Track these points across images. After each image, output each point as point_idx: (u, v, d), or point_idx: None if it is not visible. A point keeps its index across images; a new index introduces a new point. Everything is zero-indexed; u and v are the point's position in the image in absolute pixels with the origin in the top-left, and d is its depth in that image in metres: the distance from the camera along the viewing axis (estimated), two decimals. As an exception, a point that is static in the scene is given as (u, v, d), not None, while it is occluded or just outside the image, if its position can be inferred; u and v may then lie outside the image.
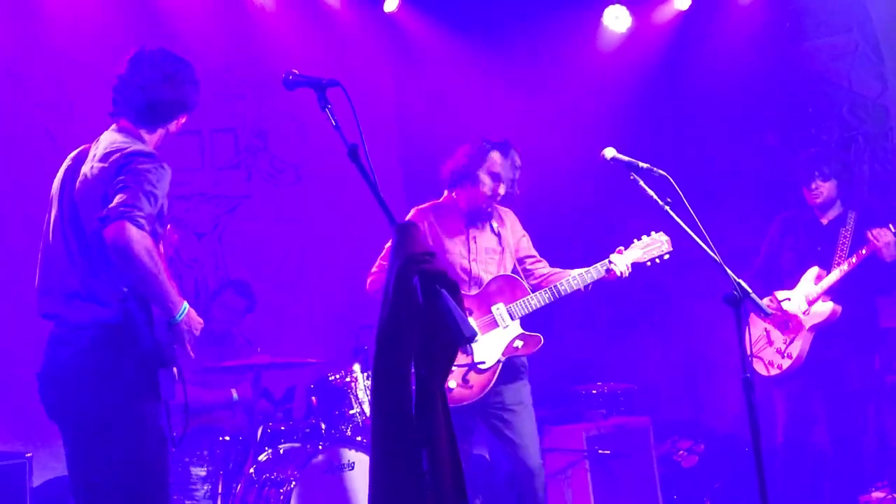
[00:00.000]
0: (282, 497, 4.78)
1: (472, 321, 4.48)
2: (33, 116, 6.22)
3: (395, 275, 2.61)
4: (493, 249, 4.82)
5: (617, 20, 7.55)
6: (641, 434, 6.29)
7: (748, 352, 3.69)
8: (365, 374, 5.35)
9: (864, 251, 5.20)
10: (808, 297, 5.37)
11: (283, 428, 5.37)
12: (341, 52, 7.43)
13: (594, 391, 6.55)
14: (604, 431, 6.05)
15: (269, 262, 7.01)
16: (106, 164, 3.29)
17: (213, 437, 5.27)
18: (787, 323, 5.42)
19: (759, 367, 5.53)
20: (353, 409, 5.38)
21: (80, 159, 3.45)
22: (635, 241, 4.88)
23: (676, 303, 7.64)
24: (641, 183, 3.99)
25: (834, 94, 6.92)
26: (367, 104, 7.47)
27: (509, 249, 4.87)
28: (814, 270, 5.42)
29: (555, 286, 4.71)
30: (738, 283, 3.41)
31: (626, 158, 4.11)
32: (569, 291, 4.72)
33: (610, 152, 4.22)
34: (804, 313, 5.36)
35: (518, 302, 4.69)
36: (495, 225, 4.87)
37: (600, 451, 5.92)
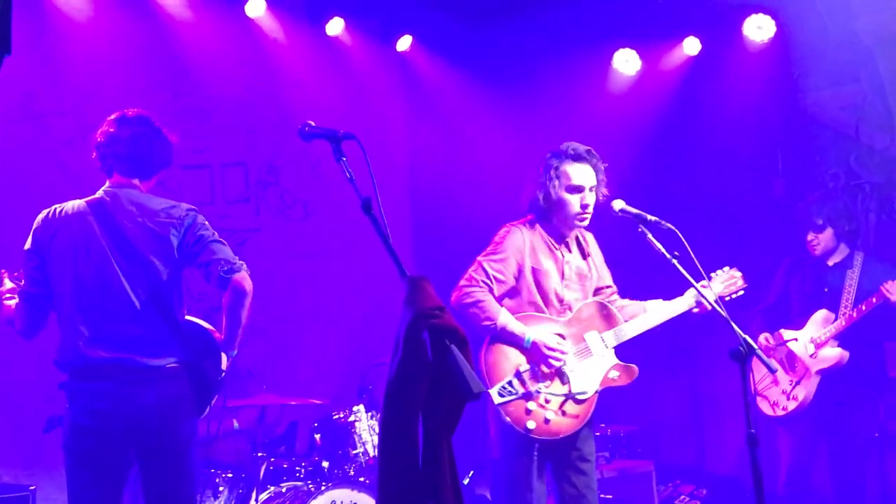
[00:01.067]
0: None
1: (567, 347, 4.32)
2: (50, 150, 6.27)
3: (406, 328, 2.63)
4: (583, 275, 4.56)
5: (627, 63, 7.61)
6: (644, 478, 6.29)
7: (753, 405, 3.72)
8: (369, 414, 5.35)
9: (874, 300, 5.21)
10: (815, 339, 5.38)
11: (285, 466, 5.38)
12: (354, 89, 7.51)
13: (597, 433, 6.54)
14: (607, 475, 6.04)
15: (276, 297, 7.03)
16: (171, 220, 3.86)
17: (216, 472, 5.28)
18: (793, 364, 5.44)
19: (765, 407, 5.53)
20: (356, 448, 5.40)
21: (104, 215, 3.81)
22: (714, 275, 4.71)
23: (681, 346, 7.65)
24: (649, 236, 4.05)
25: (841, 144, 6.96)
26: (378, 143, 7.58)
27: (596, 275, 4.63)
28: (822, 313, 5.44)
29: (648, 315, 4.51)
30: (745, 339, 3.42)
31: (635, 211, 4.18)
32: (661, 322, 4.53)
33: (618, 204, 4.29)
34: (811, 356, 5.38)
35: (613, 330, 4.46)
36: (585, 248, 4.63)
37: (602, 496, 5.90)
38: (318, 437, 5.55)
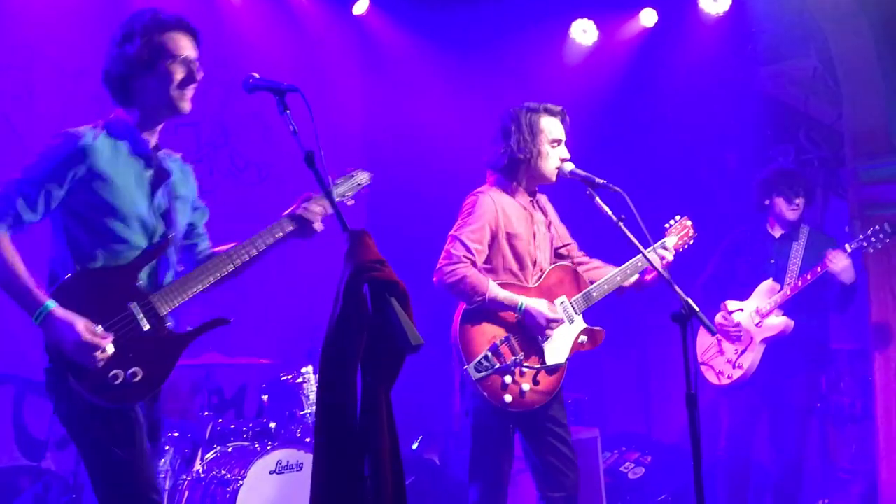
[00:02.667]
0: (228, 496, 4.79)
1: (550, 312, 4.19)
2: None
3: (346, 281, 2.64)
4: (546, 236, 4.45)
5: (584, 34, 7.63)
6: (589, 445, 6.33)
7: (695, 365, 3.77)
8: (317, 376, 5.34)
9: (819, 269, 5.29)
10: (760, 309, 5.45)
11: (232, 426, 5.37)
12: (309, 52, 7.45)
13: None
14: (552, 441, 6.08)
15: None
16: None
17: (161, 432, 5.26)
18: (738, 334, 5.50)
19: (710, 376, 5.60)
20: (303, 409, 5.39)
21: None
22: (668, 225, 4.68)
23: (629, 315, 7.72)
24: (597, 199, 4.07)
25: (792, 118, 7.05)
26: (333, 105, 7.54)
27: (555, 233, 4.53)
28: (767, 283, 5.51)
29: (611, 278, 4.41)
30: (686, 301, 3.45)
31: (584, 174, 4.20)
32: (628, 281, 4.45)
33: (568, 166, 4.31)
34: (756, 325, 5.44)
35: (581, 295, 4.36)
36: (545, 208, 4.53)
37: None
38: (265, 397, 5.54)
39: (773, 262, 5.61)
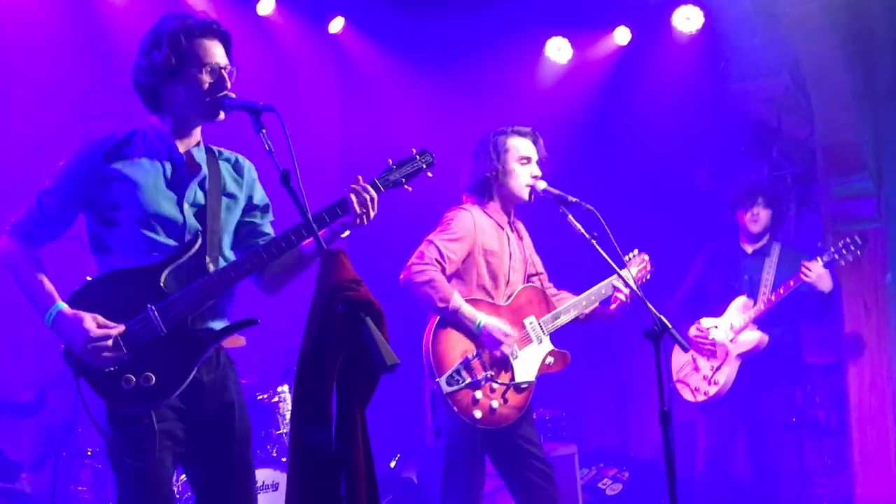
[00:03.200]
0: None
1: (515, 333, 4.25)
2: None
3: (321, 301, 2.65)
4: (520, 258, 4.51)
5: (559, 52, 7.68)
6: (567, 461, 6.34)
7: (669, 384, 3.79)
8: (292, 395, 5.33)
9: (792, 283, 5.34)
10: (734, 325, 5.49)
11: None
12: (285, 71, 7.46)
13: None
14: (529, 457, 6.08)
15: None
16: None
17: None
18: (713, 350, 5.52)
19: (686, 393, 5.62)
20: (279, 429, 5.38)
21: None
22: (627, 258, 4.69)
23: (606, 332, 7.75)
24: (570, 217, 4.10)
25: (765, 135, 7.11)
26: (310, 123, 7.54)
27: (530, 260, 4.60)
28: (741, 299, 5.56)
29: (577, 301, 4.48)
30: (659, 318, 3.47)
31: (556, 192, 4.23)
32: (590, 308, 4.50)
33: (541, 185, 4.35)
34: (731, 341, 5.48)
35: (549, 316, 4.42)
36: (520, 233, 4.60)
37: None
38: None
39: (746, 278, 5.65)
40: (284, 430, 5.26)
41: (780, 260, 5.63)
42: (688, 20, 7.05)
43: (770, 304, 5.42)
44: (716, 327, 5.57)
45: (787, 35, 6.11)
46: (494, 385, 4.19)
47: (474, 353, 4.19)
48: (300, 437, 2.65)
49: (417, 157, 3.33)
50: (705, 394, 5.54)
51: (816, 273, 5.27)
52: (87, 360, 2.95)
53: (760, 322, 5.47)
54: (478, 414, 4.13)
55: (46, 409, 5.59)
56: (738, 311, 5.54)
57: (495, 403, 4.18)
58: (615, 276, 4.49)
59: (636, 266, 4.72)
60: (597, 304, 4.54)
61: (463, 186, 4.53)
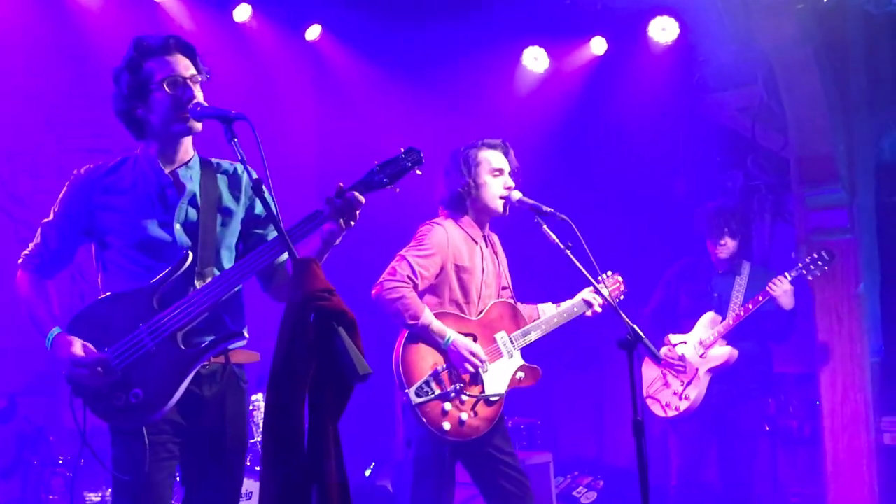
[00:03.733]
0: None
1: (482, 351, 4.26)
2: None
3: (294, 311, 2.63)
4: (493, 272, 4.51)
5: (535, 61, 7.69)
6: (542, 469, 6.35)
7: (641, 394, 3.80)
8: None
9: (760, 298, 5.38)
10: (703, 341, 5.53)
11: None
12: (262, 78, 7.44)
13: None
14: (504, 466, 6.08)
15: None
16: None
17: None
18: (682, 366, 5.55)
19: (656, 409, 5.64)
20: (254, 438, 5.35)
21: None
22: (601, 278, 4.67)
23: (583, 342, 7.76)
24: (545, 227, 4.11)
25: (739, 146, 7.15)
26: (287, 130, 7.53)
27: (502, 274, 4.59)
28: (709, 315, 5.60)
29: (549, 317, 4.51)
30: (632, 328, 3.49)
31: (531, 202, 4.24)
32: (561, 324, 4.53)
33: (516, 195, 4.35)
34: (701, 357, 5.51)
35: (519, 331, 4.43)
36: (495, 247, 4.60)
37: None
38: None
39: (716, 295, 5.70)
40: (258, 440, 5.23)
41: (751, 278, 5.68)
42: (663, 31, 7.07)
43: (738, 320, 5.47)
44: (684, 343, 5.61)
45: (761, 46, 6.14)
46: (464, 397, 4.20)
47: (444, 366, 4.20)
48: (272, 448, 2.63)
49: (403, 155, 3.28)
50: (676, 409, 5.56)
51: (782, 289, 5.32)
52: (79, 381, 3.06)
53: (729, 337, 5.51)
54: (447, 426, 4.13)
55: (17, 416, 5.55)
56: (706, 326, 5.58)
57: (465, 416, 4.18)
58: (587, 291, 4.59)
59: (610, 287, 4.76)
60: (569, 320, 4.58)
61: (438, 200, 4.52)
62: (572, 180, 7.50)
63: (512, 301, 4.57)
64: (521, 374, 4.41)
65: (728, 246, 5.66)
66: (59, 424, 3.39)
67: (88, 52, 6.47)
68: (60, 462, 5.12)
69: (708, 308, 5.64)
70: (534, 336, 4.47)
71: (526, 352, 4.49)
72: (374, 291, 4.24)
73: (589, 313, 4.61)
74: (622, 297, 4.80)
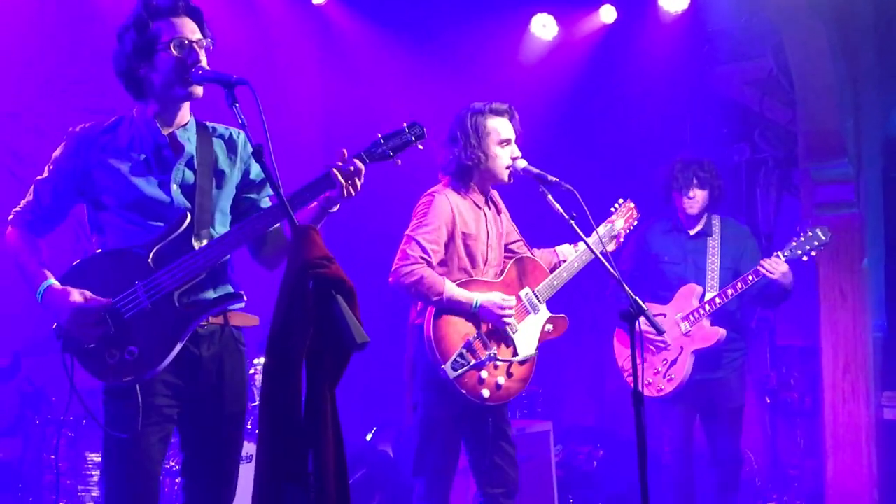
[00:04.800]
0: (177, 486, 4.77)
1: (513, 302, 4.25)
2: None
3: (292, 278, 2.63)
4: (500, 233, 4.49)
5: (544, 28, 7.65)
6: (541, 438, 6.38)
7: (642, 364, 3.78)
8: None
9: (750, 278, 5.12)
10: (688, 317, 5.27)
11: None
12: (268, 43, 7.40)
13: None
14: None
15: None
16: None
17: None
18: (663, 343, 5.28)
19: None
20: (254, 401, 5.37)
21: None
22: (613, 209, 4.73)
23: (585, 311, 7.76)
24: (549, 196, 4.10)
25: (747, 118, 7.11)
26: (293, 96, 7.50)
27: (506, 231, 4.57)
28: (689, 287, 5.32)
29: (569, 265, 4.49)
30: (635, 300, 3.49)
31: (536, 171, 4.22)
32: (580, 268, 4.52)
33: (521, 163, 4.33)
34: (685, 335, 5.26)
35: (543, 284, 4.43)
36: (498, 205, 4.57)
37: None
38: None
39: (690, 261, 5.41)
40: (258, 403, 5.25)
41: (723, 239, 5.40)
42: (673, 0, 7.02)
43: (726, 299, 5.18)
44: (663, 315, 5.31)
45: (770, 18, 6.09)
46: (498, 362, 4.23)
47: (475, 335, 4.21)
48: (269, 412, 2.64)
49: (407, 129, 3.28)
50: (659, 390, 5.29)
51: (780, 270, 5.05)
52: (73, 333, 3.05)
53: (714, 314, 5.24)
54: (486, 393, 4.17)
55: (20, 375, 5.58)
56: (687, 299, 5.30)
57: (501, 380, 4.23)
58: (602, 227, 4.61)
59: (622, 216, 4.74)
60: (586, 264, 4.55)
61: (440, 166, 4.47)
62: (578, 149, 7.47)
63: (529, 254, 4.55)
64: (549, 326, 4.44)
65: (697, 199, 5.36)
66: (60, 384, 3.38)
67: (92, 11, 6.43)
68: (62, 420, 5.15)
69: (684, 277, 5.37)
70: (558, 285, 4.47)
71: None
72: (390, 279, 4.23)
73: (611, 247, 4.62)
74: (636, 223, 4.79)
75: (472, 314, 4.21)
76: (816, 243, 5.09)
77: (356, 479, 6.08)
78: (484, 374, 4.17)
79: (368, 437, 6.84)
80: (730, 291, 5.19)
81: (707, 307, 5.23)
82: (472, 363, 4.15)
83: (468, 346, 4.17)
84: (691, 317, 5.26)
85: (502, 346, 4.27)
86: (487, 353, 4.20)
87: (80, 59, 6.32)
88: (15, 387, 5.66)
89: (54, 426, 5.19)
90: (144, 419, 3.07)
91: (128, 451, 3.08)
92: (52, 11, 6.43)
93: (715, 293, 5.26)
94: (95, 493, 5.05)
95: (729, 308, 5.27)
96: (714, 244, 5.41)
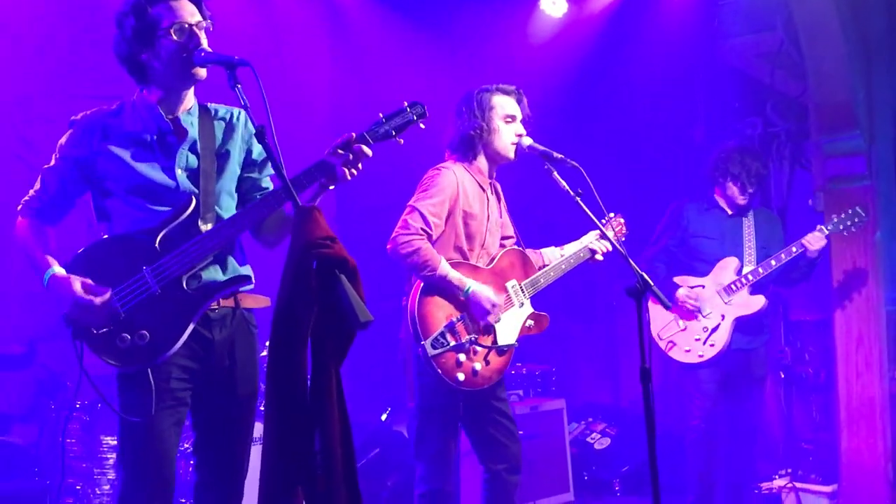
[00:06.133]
0: (191, 471, 4.79)
1: (501, 301, 4.26)
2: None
3: (296, 258, 2.64)
4: (497, 221, 4.49)
5: (554, 6, 7.60)
6: (555, 415, 6.41)
7: (649, 339, 3.80)
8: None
9: (794, 249, 5.34)
10: (728, 286, 5.44)
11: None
12: (277, 26, 7.40)
13: (512, 372, 6.66)
14: (518, 412, 6.14)
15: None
16: None
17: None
18: (701, 311, 5.48)
19: (676, 354, 5.51)
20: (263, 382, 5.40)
21: None
22: (605, 220, 4.71)
23: (599, 289, 7.77)
24: (555, 173, 4.10)
25: (758, 91, 7.06)
26: (302, 79, 7.50)
27: (505, 223, 4.58)
28: (728, 260, 5.50)
29: (556, 265, 4.51)
30: (641, 276, 3.49)
31: (542, 148, 4.22)
32: (567, 270, 4.55)
33: (527, 141, 4.33)
34: (726, 303, 5.44)
35: (530, 279, 4.45)
36: (499, 195, 4.57)
37: (512, 432, 5.99)
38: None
39: (728, 238, 5.59)
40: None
41: (757, 221, 5.63)
42: (683, -26, 6.99)
43: (770, 269, 5.39)
44: (702, 287, 5.51)
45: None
46: (478, 347, 4.21)
47: (458, 317, 4.20)
48: (274, 391, 2.66)
49: (408, 109, 3.30)
50: (700, 356, 5.45)
51: (819, 245, 5.32)
52: (79, 320, 3.08)
53: (754, 285, 5.45)
54: (461, 376, 4.15)
55: (36, 362, 5.63)
56: (727, 271, 5.49)
57: (478, 366, 4.20)
58: (590, 235, 4.61)
59: (612, 229, 4.75)
60: (575, 266, 4.59)
61: (446, 143, 4.48)
62: (590, 126, 7.45)
63: (521, 248, 4.56)
64: (530, 322, 4.42)
65: (752, 193, 5.57)
66: (76, 370, 3.41)
67: (100, 2, 6.45)
68: (78, 406, 5.20)
69: (719, 251, 5.55)
70: (543, 283, 4.48)
71: (541, 298, 4.49)
72: (388, 246, 4.22)
73: (598, 257, 4.62)
74: (624, 239, 4.78)
75: (460, 299, 4.21)
76: (857, 219, 5.39)
77: (370, 458, 6.11)
78: (462, 357, 4.16)
79: (383, 418, 6.86)
80: (773, 262, 5.41)
81: (749, 276, 5.44)
82: (452, 344, 4.14)
83: (450, 327, 4.16)
84: (733, 286, 5.46)
85: (484, 332, 4.26)
86: (469, 336, 4.19)
87: (89, 45, 6.33)
88: (32, 373, 5.72)
89: (69, 411, 5.23)
90: (158, 403, 3.11)
91: (142, 436, 3.12)
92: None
93: (753, 266, 5.46)
94: (111, 475, 5.10)
95: (764, 281, 5.46)
96: (749, 224, 5.62)
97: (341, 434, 2.64)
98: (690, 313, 5.51)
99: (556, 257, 4.62)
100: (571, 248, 4.61)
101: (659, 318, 5.62)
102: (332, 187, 3.17)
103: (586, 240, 4.63)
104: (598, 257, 4.61)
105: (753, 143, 6.96)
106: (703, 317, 5.49)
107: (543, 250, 4.68)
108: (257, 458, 4.93)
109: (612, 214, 4.75)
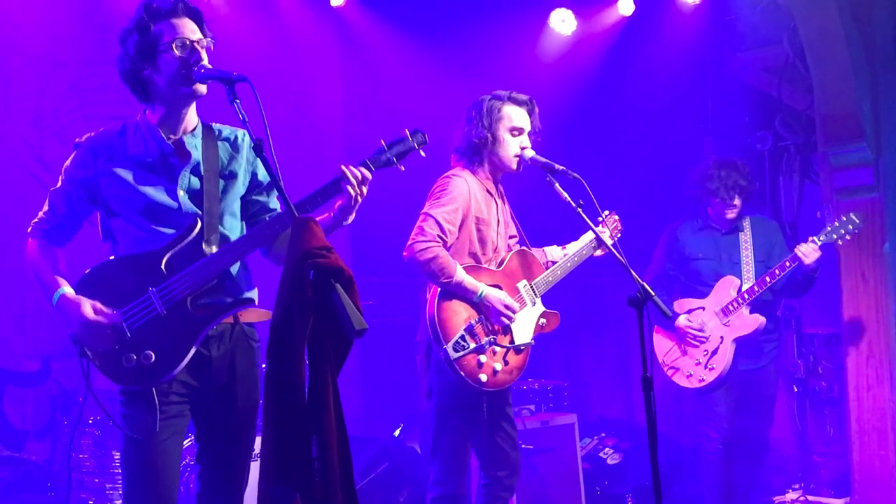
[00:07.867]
0: (192, 486, 4.83)
1: (517, 304, 4.31)
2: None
3: (292, 268, 2.69)
4: (504, 224, 4.54)
5: (563, 23, 7.66)
6: (567, 430, 6.39)
7: (650, 348, 3.81)
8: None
9: (788, 264, 5.23)
10: (725, 307, 5.38)
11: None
12: (287, 44, 7.46)
13: (524, 387, 6.66)
14: (529, 427, 6.15)
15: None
16: None
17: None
18: (703, 334, 5.41)
19: (679, 380, 5.49)
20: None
21: None
22: (600, 219, 4.72)
23: (610, 304, 7.77)
24: (556, 185, 4.15)
25: (767, 105, 7.08)
26: (312, 96, 7.57)
27: (510, 224, 4.64)
28: (727, 279, 5.44)
29: (563, 263, 4.57)
30: (642, 286, 3.51)
31: (543, 160, 4.26)
32: (576, 265, 4.61)
33: (529, 153, 4.37)
34: (725, 325, 5.38)
35: (540, 278, 4.50)
36: (504, 197, 4.61)
37: (524, 446, 6.00)
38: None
39: (725, 256, 5.54)
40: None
41: (754, 233, 5.56)
42: (691, -10, 7.03)
43: (765, 285, 5.29)
44: (702, 309, 5.45)
45: (786, 4, 6.06)
46: (497, 348, 4.27)
47: (477, 319, 4.25)
48: (272, 401, 2.70)
49: (409, 137, 3.37)
50: (701, 380, 5.40)
51: (813, 257, 5.18)
52: (86, 342, 3.13)
53: (752, 303, 5.36)
54: (483, 377, 4.21)
55: (50, 379, 5.69)
56: (725, 290, 5.42)
57: (498, 366, 4.26)
58: (591, 235, 4.62)
59: (608, 227, 4.76)
60: (580, 263, 4.64)
61: (454, 148, 4.52)
62: (600, 143, 7.48)
63: (526, 248, 4.60)
64: (543, 321, 4.49)
65: (738, 206, 5.50)
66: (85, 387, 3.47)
67: (114, 18, 6.52)
68: (90, 422, 5.25)
69: (718, 271, 5.50)
70: (552, 282, 4.53)
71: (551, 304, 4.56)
72: (405, 254, 4.26)
73: (598, 253, 4.66)
74: (619, 236, 4.77)
75: (475, 302, 4.26)
76: (851, 227, 5.25)
77: (379, 472, 6.13)
78: (483, 358, 4.21)
79: (396, 433, 6.88)
80: (767, 278, 5.31)
81: (746, 296, 5.35)
82: (472, 346, 4.19)
83: (469, 330, 4.21)
84: (730, 306, 5.38)
85: (501, 333, 4.33)
86: (487, 337, 4.25)
87: (103, 65, 6.42)
88: (45, 390, 5.78)
89: (82, 427, 5.29)
90: (161, 421, 3.16)
91: (144, 452, 3.16)
92: (76, 19, 6.55)
93: (752, 283, 5.38)
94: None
95: (764, 298, 5.38)
96: (746, 238, 5.55)
97: (338, 441, 2.67)
98: (695, 339, 5.45)
99: (558, 256, 4.68)
100: (574, 248, 4.67)
101: (661, 345, 5.60)
102: (348, 221, 3.23)
103: (587, 238, 4.67)
104: (598, 252, 4.66)
105: (758, 156, 6.98)
106: (705, 341, 5.43)
107: (546, 248, 4.74)
108: (256, 473, 4.98)
109: (606, 213, 4.75)
